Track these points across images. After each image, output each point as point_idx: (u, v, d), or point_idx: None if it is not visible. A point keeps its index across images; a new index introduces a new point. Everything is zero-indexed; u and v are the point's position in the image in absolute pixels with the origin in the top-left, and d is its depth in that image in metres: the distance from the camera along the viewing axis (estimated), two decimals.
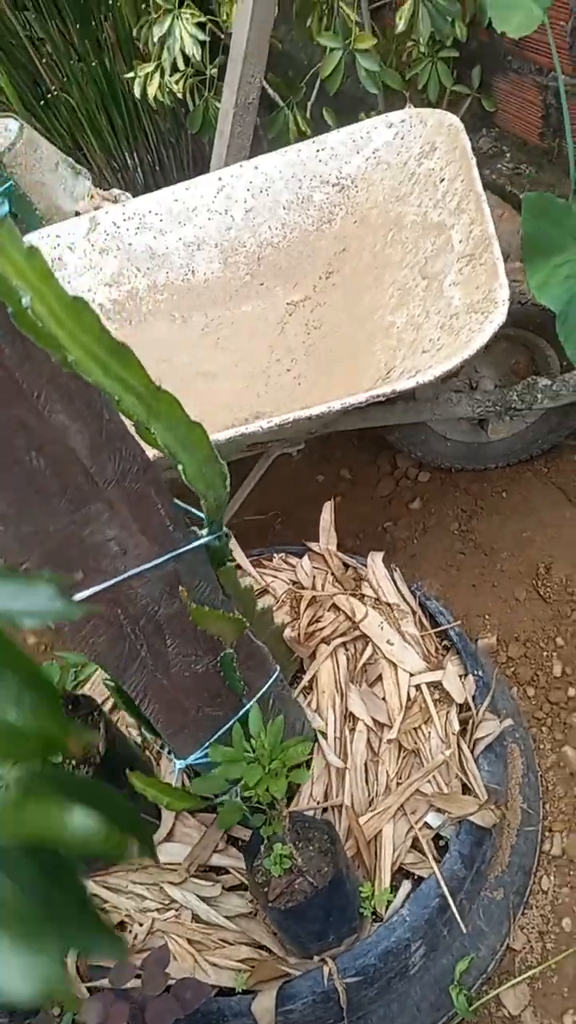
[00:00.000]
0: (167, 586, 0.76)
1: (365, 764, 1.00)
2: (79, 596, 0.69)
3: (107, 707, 1.12)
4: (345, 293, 1.53)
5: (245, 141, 1.96)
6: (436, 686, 1.07)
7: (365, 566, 1.24)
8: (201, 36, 1.94)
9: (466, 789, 0.96)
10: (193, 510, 0.78)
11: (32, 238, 1.77)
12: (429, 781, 0.97)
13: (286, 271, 1.66)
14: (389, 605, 1.18)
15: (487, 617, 1.40)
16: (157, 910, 0.94)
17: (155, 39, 1.97)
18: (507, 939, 1.01)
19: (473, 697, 1.03)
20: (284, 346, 1.57)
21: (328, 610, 1.20)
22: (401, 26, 1.78)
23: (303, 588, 1.24)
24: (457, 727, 1.01)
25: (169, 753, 0.95)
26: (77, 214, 2.28)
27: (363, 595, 1.21)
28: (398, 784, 0.97)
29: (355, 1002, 0.89)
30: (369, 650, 1.12)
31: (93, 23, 2.63)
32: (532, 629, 1.37)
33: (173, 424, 0.64)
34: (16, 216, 2.09)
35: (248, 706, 0.91)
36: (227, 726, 0.90)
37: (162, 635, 0.79)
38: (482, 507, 1.57)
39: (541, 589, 1.41)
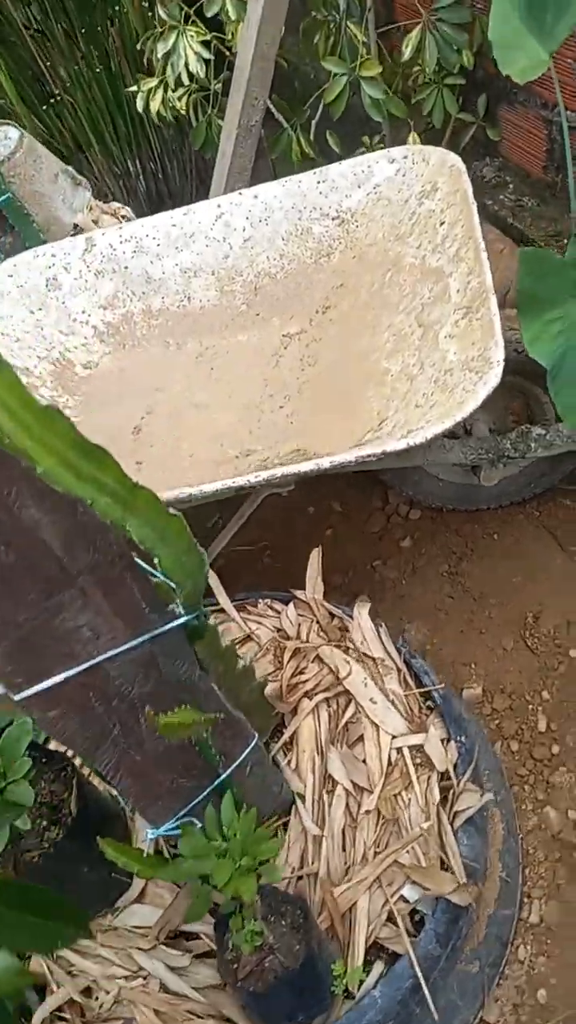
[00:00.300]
0: (142, 667, 0.75)
1: (343, 830, 0.99)
2: (46, 683, 0.67)
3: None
4: (341, 331, 1.51)
5: (247, 162, 1.94)
6: (418, 749, 1.05)
7: (351, 617, 1.22)
8: (206, 54, 1.91)
9: (444, 863, 0.94)
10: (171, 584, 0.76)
11: (27, 256, 1.75)
12: (408, 851, 0.95)
13: (283, 302, 1.64)
14: (374, 659, 1.17)
15: (473, 666, 1.39)
16: (125, 977, 0.93)
17: (159, 55, 1.94)
18: (480, 1012, 1.00)
19: (455, 765, 1.02)
20: (279, 380, 1.55)
21: (312, 661, 1.19)
22: (408, 54, 1.76)
23: (287, 637, 1.22)
24: (438, 796, 0.99)
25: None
26: (76, 226, 2.25)
27: (348, 647, 1.19)
28: (375, 854, 0.96)
29: None
30: (352, 708, 1.10)
31: (99, 28, 2.60)
32: (518, 681, 1.36)
33: (151, 518, 0.62)
34: (13, 228, 2.06)
35: (224, 776, 0.89)
36: (202, 796, 0.88)
37: (136, 713, 0.77)
38: (473, 549, 1.56)
39: (529, 639, 1.40)
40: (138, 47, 2.04)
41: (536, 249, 1.21)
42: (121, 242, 1.71)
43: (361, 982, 0.89)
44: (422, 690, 1.11)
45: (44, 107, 2.69)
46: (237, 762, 0.90)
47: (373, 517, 1.67)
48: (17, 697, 0.67)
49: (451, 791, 1.00)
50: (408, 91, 1.89)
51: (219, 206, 1.65)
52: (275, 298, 1.65)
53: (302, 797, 1.02)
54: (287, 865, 0.97)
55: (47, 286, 1.73)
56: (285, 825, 1.01)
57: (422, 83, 1.83)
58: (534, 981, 1.04)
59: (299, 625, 1.23)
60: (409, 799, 1.00)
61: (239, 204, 1.64)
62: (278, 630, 1.25)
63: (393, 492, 1.67)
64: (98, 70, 2.65)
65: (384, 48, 1.93)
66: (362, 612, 1.20)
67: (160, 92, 2.01)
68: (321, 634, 1.22)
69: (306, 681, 1.15)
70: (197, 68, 1.91)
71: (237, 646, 1.26)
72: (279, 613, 1.27)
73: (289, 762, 1.07)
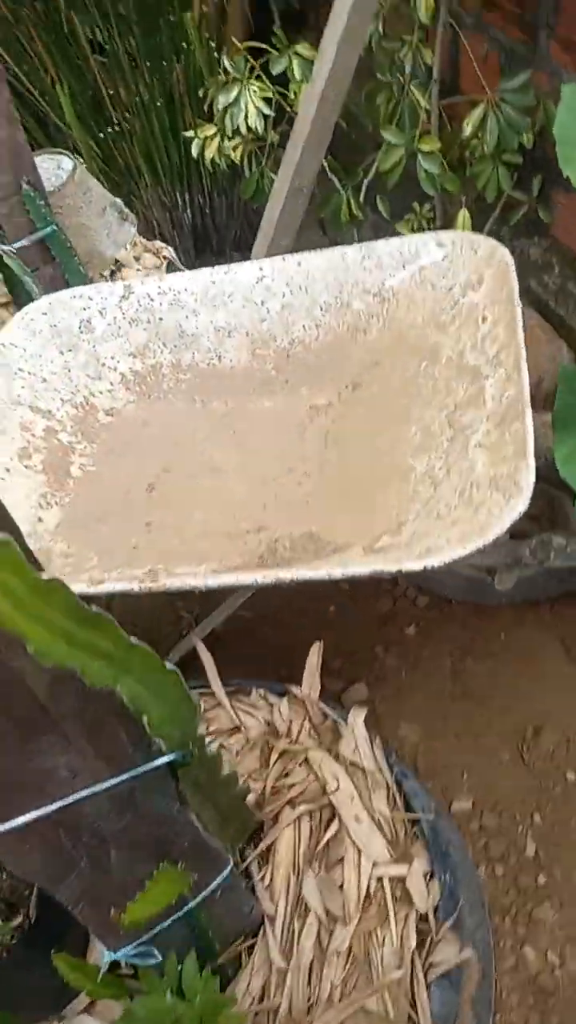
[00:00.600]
0: (118, 802, 0.71)
1: (310, 964, 0.94)
2: (13, 823, 0.64)
3: None
4: (369, 413, 1.48)
5: (295, 221, 1.92)
6: (399, 881, 1.01)
7: (346, 721, 1.18)
8: (266, 110, 1.90)
9: (412, 1019, 0.90)
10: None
11: (64, 296, 1.74)
12: (375, 998, 0.91)
13: (314, 372, 1.61)
14: (364, 771, 1.13)
15: (466, 775, 1.34)
16: None
17: (220, 106, 1.93)
18: None
19: (436, 908, 0.98)
20: (300, 455, 1.52)
21: (300, 764, 1.15)
22: (468, 131, 1.74)
23: (277, 734, 1.18)
24: (414, 941, 0.95)
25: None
26: (117, 261, 2.25)
27: (339, 753, 1.15)
28: (342, 995, 0.92)
29: None
30: (335, 825, 1.06)
31: (164, 61, 2.61)
32: (511, 798, 1.31)
33: (146, 676, 0.59)
34: (54, 259, 2.05)
35: (192, 904, 0.85)
36: (167, 923, 0.85)
37: (106, 847, 0.73)
38: (479, 646, 1.52)
39: (526, 754, 1.35)
40: (200, 93, 2.04)
41: None
42: (159, 293, 1.70)
43: None
44: (411, 816, 1.07)
45: (101, 133, 2.70)
46: (207, 891, 0.86)
47: (381, 599, 1.63)
48: None
49: (429, 936, 0.96)
50: (464, 161, 1.87)
51: (261, 269, 1.64)
52: (306, 367, 1.63)
53: (272, 920, 0.98)
54: (247, 995, 0.93)
55: (80, 328, 1.72)
56: (250, 949, 0.97)
57: (479, 157, 1.81)
58: None
59: (291, 722, 1.20)
60: (384, 937, 0.95)
61: (281, 269, 1.62)
62: (268, 724, 1.22)
63: (402, 575, 1.63)
64: (159, 103, 2.66)
65: (445, 116, 1.91)
66: (357, 719, 1.16)
67: (216, 140, 2.00)
68: (313, 734, 1.19)
69: (291, 786, 1.11)
70: (256, 123, 1.90)
71: (225, 736, 1.22)
72: (272, 706, 1.23)
73: (263, 877, 1.03)
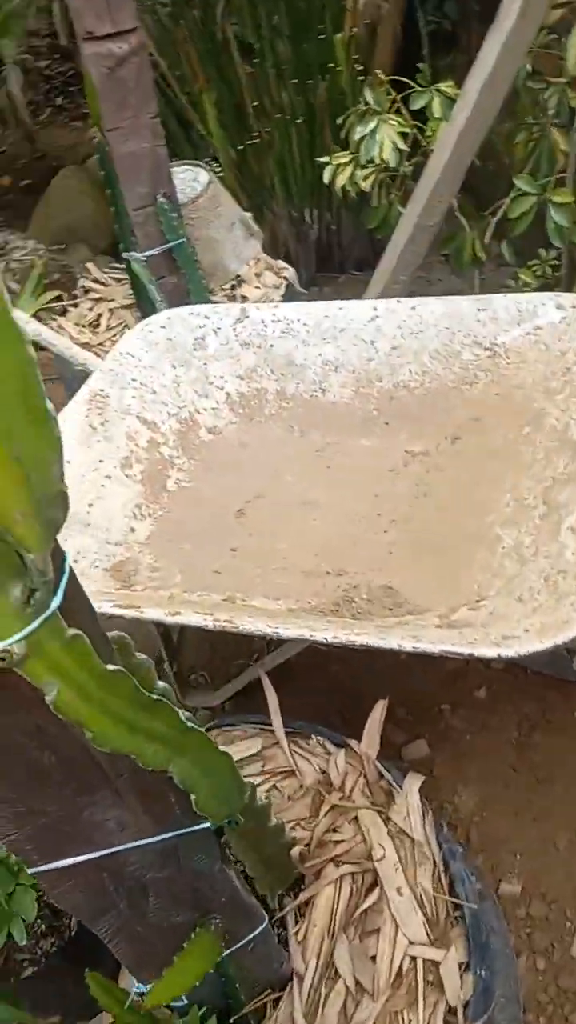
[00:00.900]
0: (161, 856, 0.73)
1: None
2: (61, 863, 0.67)
3: None
4: (464, 469, 1.46)
5: (417, 259, 1.90)
6: (433, 964, 0.99)
7: (401, 786, 1.17)
8: (402, 145, 1.89)
9: None
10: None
11: (183, 312, 1.79)
12: None
13: (414, 418, 1.60)
14: (412, 840, 1.11)
15: (519, 856, 1.31)
16: None
17: (356, 136, 1.93)
18: None
19: (466, 1005, 0.96)
20: (390, 501, 1.51)
21: (350, 821, 1.15)
22: None
23: (330, 786, 1.18)
24: None
25: None
26: (238, 276, 2.29)
27: (389, 817, 1.14)
28: None
29: None
30: (376, 893, 1.06)
31: (309, 80, 2.63)
32: (563, 888, 1.26)
33: (200, 759, 0.61)
34: (180, 269, 2.11)
35: (224, 954, 0.87)
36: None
37: (146, 894, 0.76)
38: (549, 722, 1.47)
39: None
40: (339, 121, 2.05)
41: None
42: (273, 320, 1.72)
43: None
44: (453, 900, 1.05)
45: (240, 145, 2.75)
46: (240, 944, 0.87)
47: None
48: (30, 870, 0.68)
49: None
50: None
51: (375, 308, 1.63)
52: (408, 412, 1.61)
53: (300, 979, 0.98)
54: None
55: (194, 345, 1.77)
56: (276, 1002, 0.98)
57: None
58: None
59: (345, 775, 1.19)
60: (410, 1021, 0.94)
61: (395, 312, 1.61)
62: (324, 773, 1.22)
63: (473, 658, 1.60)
64: (300, 120, 2.68)
65: None
66: (413, 787, 1.15)
67: (349, 169, 2.01)
68: (366, 792, 1.18)
69: (338, 843, 1.11)
70: (390, 156, 1.89)
71: (279, 778, 1.24)
72: (329, 755, 1.23)
73: (298, 931, 1.03)
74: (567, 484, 1.20)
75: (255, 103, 2.70)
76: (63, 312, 2.20)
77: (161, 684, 0.72)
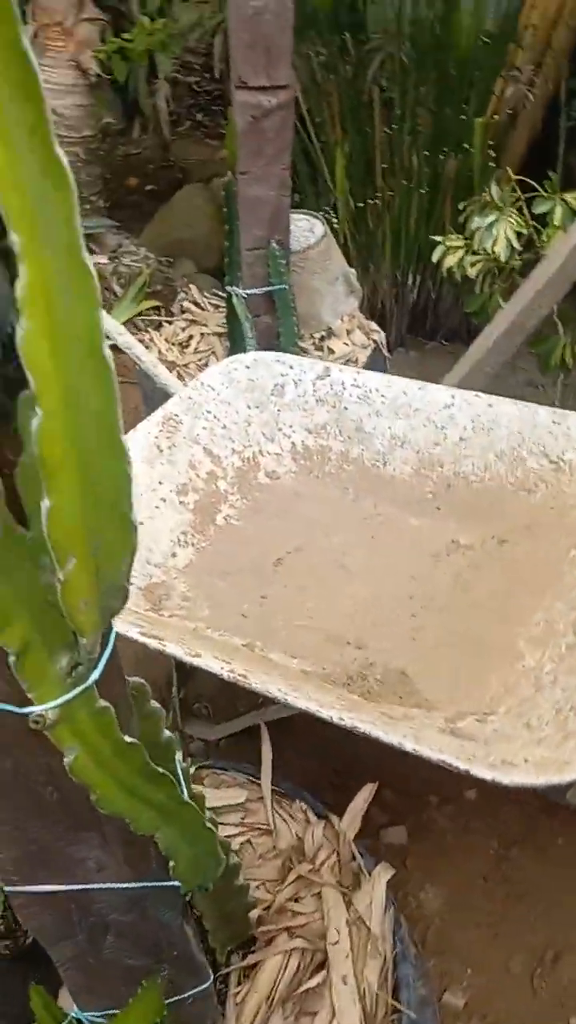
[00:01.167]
0: (129, 901, 0.77)
1: None
2: (35, 888, 0.71)
3: None
4: (505, 574, 1.47)
5: (506, 355, 1.93)
6: None
7: (369, 874, 1.19)
8: (516, 244, 1.93)
9: None
10: None
11: (269, 357, 1.85)
12: None
13: (467, 511, 1.62)
14: (368, 931, 1.12)
15: (470, 970, 1.30)
16: None
17: (474, 225, 1.98)
18: None
19: None
20: (425, 585, 1.53)
21: (314, 895, 1.16)
22: None
23: (303, 856, 1.20)
24: None
25: None
26: (330, 328, 2.34)
27: (351, 901, 1.16)
28: None
29: None
30: (322, 974, 1.07)
31: (441, 155, 2.69)
32: (506, 1013, 1.26)
33: (187, 831, 0.64)
34: (275, 311, 2.17)
35: (166, 1004, 0.89)
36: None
37: (106, 932, 0.79)
38: (532, 842, 1.46)
39: (537, 976, 1.29)
40: (460, 206, 2.10)
41: None
42: (353, 384, 1.77)
43: None
44: (395, 1003, 1.06)
45: (361, 202, 2.82)
46: (182, 996, 0.90)
47: None
48: (6, 888, 0.72)
49: None
50: None
51: (453, 397, 1.67)
52: (462, 502, 1.64)
53: None
54: None
55: (272, 391, 1.82)
56: None
57: None
58: None
59: (319, 848, 1.21)
60: None
61: (471, 404, 1.64)
62: (299, 840, 1.24)
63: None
64: (423, 190, 2.75)
65: None
66: (381, 878, 1.16)
67: (459, 253, 2.05)
68: (336, 870, 1.20)
69: (296, 914, 1.13)
70: (502, 252, 1.93)
71: (256, 834, 1.26)
72: (309, 824, 1.25)
73: (237, 994, 1.05)
74: None
75: (384, 164, 2.78)
76: (158, 326, 2.28)
77: (167, 734, 0.76)
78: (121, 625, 1.17)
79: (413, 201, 2.76)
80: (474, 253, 2.06)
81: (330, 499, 1.76)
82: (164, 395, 1.92)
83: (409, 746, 1.02)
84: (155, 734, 0.74)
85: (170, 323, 2.29)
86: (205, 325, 2.28)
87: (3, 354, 0.41)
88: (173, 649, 1.19)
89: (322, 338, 2.28)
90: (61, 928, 0.78)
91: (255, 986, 1.06)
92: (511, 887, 1.40)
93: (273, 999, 1.04)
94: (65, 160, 0.38)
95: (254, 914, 1.10)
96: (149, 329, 2.25)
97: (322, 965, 1.09)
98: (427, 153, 2.68)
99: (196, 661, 1.17)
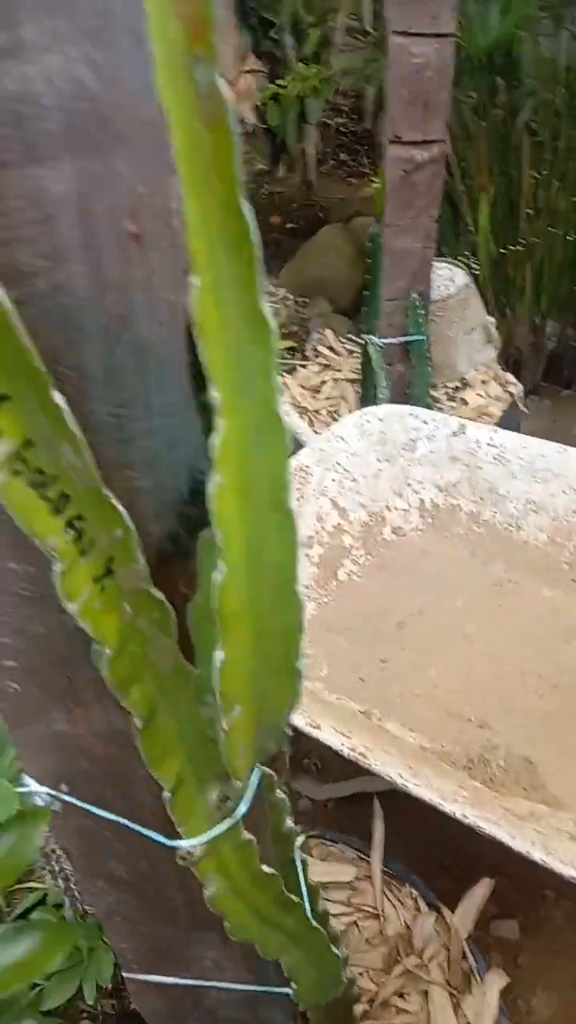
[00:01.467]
0: (244, 1002, 0.75)
1: None
2: (156, 978, 0.70)
3: None
4: None
5: None
6: None
7: (482, 976, 1.12)
8: None
9: None
10: None
11: (402, 410, 1.82)
12: None
13: None
14: None
15: None
16: None
17: None
18: None
19: None
20: (557, 663, 1.45)
21: (419, 993, 1.11)
22: None
23: (411, 948, 1.15)
24: None
25: None
26: (464, 379, 2.29)
27: (458, 1004, 1.10)
28: None
29: None
30: None
31: None
32: None
33: (314, 954, 0.62)
34: (409, 360, 2.15)
35: None
36: None
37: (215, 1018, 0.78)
38: None
39: None
40: None
41: None
42: (489, 444, 1.72)
43: None
44: None
45: (503, 249, 2.76)
46: None
47: None
48: (125, 974, 0.71)
49: None
50: None
51: None
52: None
53: None
54: None
55: (405, 445, 1.79)
56: None
57: None
58: None
59: (427, 943, 1.16)
60: None
61: None
62: (408, 928, 1.19)
63: None
64: (570, 237, 2.65)
65: None
66: (494, 986, 1.09)
67: None
68: (445, 967, 1.14)
69: (401, 1011, 1.08)
70: None
71: (363, 916, 1.22)
72: (419, 913, 1.20)
73: None
74: None
75: (529, 209, 2.70)
76: (292, 370, 2.30)
77: (289, 824, 0.74)
78: None
79: (558, 248, 2.67)
80: None
81: (458, 560, 1.71)
82: (296, 443, 1.93)
83: (537, 856, 0.95)
84: (278, 824, 0.72)
85: (304, 367, 2.30)
86: (339, 371, 2.28)
87: (190, 496, 0.41)
88: (295, 719, 1.18)
89: (456, 388, 2.23)
90: (173, 1014, 0.77)
91: None
92: None
93: None
94: (271, 316, 0.37)
95: (359, 1008, 1.06)
96: (284, 373, 2.27)
97: None
98: (574, 199, 2.59)
99: (316, 733, 1.15)
